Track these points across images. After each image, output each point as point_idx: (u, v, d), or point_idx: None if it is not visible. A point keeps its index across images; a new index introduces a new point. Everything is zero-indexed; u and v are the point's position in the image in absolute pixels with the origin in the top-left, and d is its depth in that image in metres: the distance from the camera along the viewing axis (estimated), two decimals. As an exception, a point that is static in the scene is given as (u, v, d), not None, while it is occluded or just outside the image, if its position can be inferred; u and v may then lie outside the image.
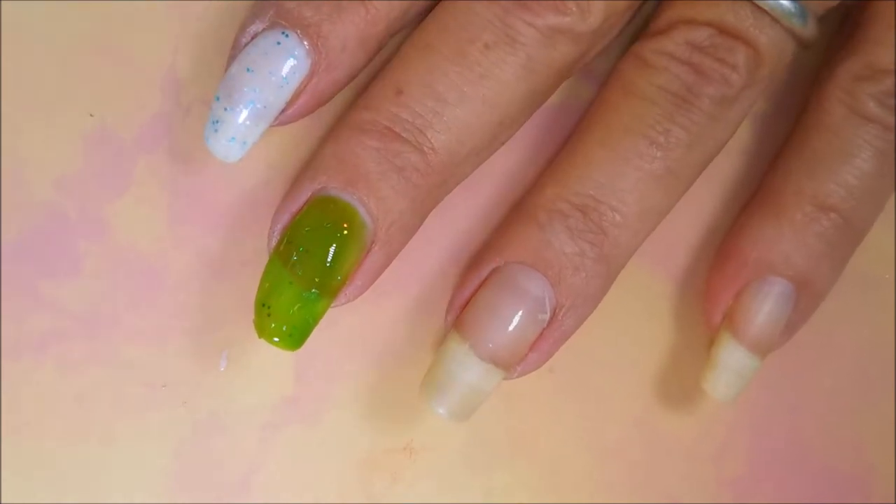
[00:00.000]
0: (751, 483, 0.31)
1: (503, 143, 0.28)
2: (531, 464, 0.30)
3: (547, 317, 0.27)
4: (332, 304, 0.26)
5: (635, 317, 0.31)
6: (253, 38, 0.26)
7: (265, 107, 0.26)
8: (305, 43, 0.26)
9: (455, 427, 0.30)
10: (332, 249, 0.26)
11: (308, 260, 0.25)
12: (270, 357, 0.29)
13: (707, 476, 0.31)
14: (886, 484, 0.32)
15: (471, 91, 0.26)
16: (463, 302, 0.28)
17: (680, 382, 0.31)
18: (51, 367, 0.28)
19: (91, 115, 0.28)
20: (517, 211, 0.28)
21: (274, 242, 0.26)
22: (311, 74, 0.26)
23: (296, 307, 0.25)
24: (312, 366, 0.29)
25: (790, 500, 0.32)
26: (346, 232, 0.26)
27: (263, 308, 0.26)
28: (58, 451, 0.28)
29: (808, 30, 0.27)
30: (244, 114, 0.26)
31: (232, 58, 0.26)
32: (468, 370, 0.27)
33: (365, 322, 0.30)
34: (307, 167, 0.27)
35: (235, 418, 0.29)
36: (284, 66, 0.26)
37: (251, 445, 0.29)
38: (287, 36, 0.26)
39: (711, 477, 0.31)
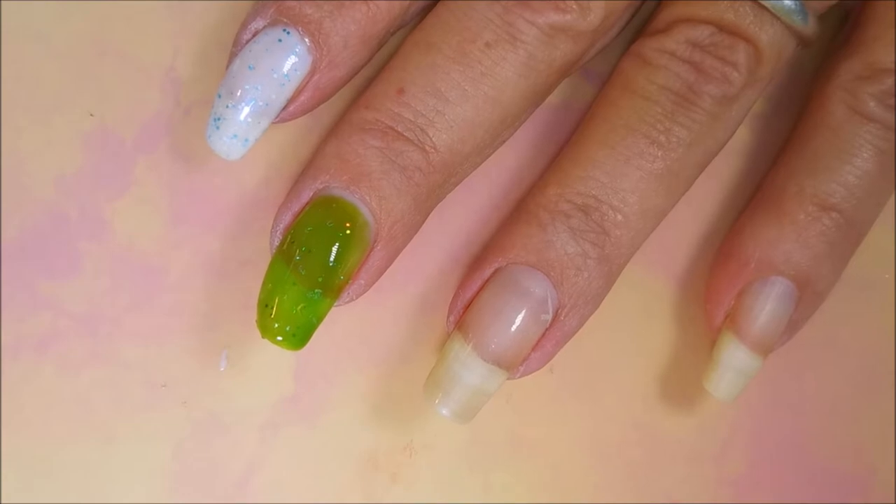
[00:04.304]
0: (751, 483, 0.31)
1: (504, 142, 0.28)
2: (531, 463, 0.30)
3: (549, 317, 0.27)
4: (335, 304, 0.26)
5: (636, 317, 0.31)
6: (254, 35, 0.26)
7: (267, 104, 0.26)
8: (307, 40, 0.26)
9: (455, 427, 0.30)
10: (334, 249, 0.25)
11: (311, 259, 0.25)
12: (270, 357, 0.29)
13: (707, 476, 0.31)
14: (886, 484, 0.32)
15: (472, 89, 0.26)
16: (465, 302, 0.28)
17: (680, 382, 0.31)
18: (51, 367, 0.28)
19: (91, 115, 0.28)
20: (519, 211, 0.28)
21: (276, 242, 0.26)
22: (313, 71, 0.26)
23: (299, 307, 0.25)
24: (312, 366, 0.29)
25: (790, 500, 0.32)
26: (348, 231, 0.26)
27: (266, 308, 0.25)
28: (58, 451, 0.28)
29: (809, 28, 0.27)
30: (246, 111, 0.25)
31: (233, 55, 0.26)
32: (471, 371, 0.27)
33: (366, 321, 0.30)
34: (309, 166, 0.27)
35: (235, 418, 0.29)
36: (286, 63, 0.26)
37: (251, 445, 0.29)
38: (288, 33, 0.26)
39: (711, 477, 0.31)
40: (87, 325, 0.28)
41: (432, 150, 0.26)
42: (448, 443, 0.30)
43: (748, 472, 0.31)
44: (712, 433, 0.31)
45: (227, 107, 0.26)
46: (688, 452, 0.31)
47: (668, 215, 0.28)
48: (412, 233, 0.27)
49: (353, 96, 0.29)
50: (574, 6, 0.26)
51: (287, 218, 0.26)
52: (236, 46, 0.26)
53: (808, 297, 0.29)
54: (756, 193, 0.30)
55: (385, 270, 0.27)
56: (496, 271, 0.28)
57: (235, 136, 0.26)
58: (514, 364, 0.27)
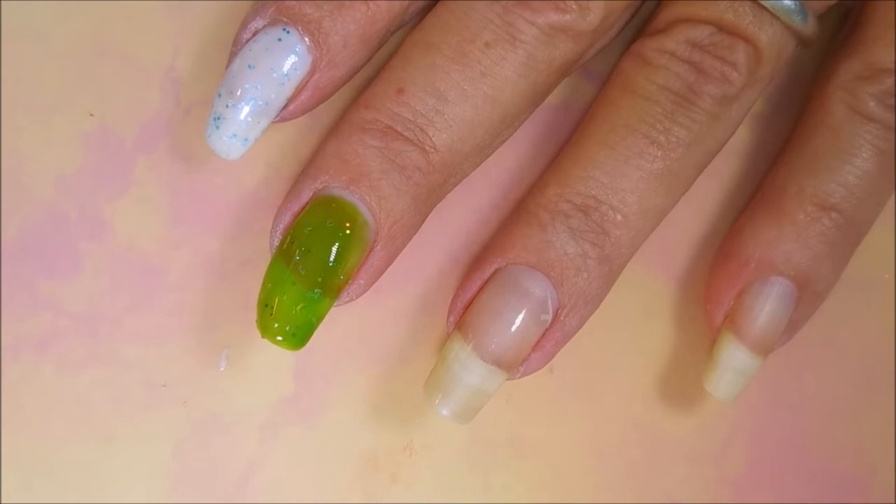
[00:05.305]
0: (751, 483, 0.31)
1: (504, 142, 0.28)
2: (531, 464, 0.30)
3: (549, 317, 0.27)
4: (335, 304, 0.26)
5: (635, 317, 0.31)
6: (254, 35, 0.26)
7: (266, 103, 0.26)
8: (307, 39, 0.26)
9: (455, 427, 0.30)
10: (334, 249, 0.25)
11: (310, 259, 0.25)
12: (270, 357, 0.29)
13: (707, 476, 0.31)
14: (886, 484, 0.32)
15: (472, 89, 0.26)
16: (465, 303, 0.28)
17: (680, 382, 0.31)
18: (51, 367, 0.28)
19: (91, 115, 0.28)
20: (519, 211, 0.28)
21: (276, 242, 0.26)
22: (313, 71, 0.26)
23: (299, 307, 0.25)
24: (312, 366, 0.29)
25: (790, 500, 0.32)
26: (348, 231, 0.26)
27: (266, 308, 0.25)
28: (58, 451, 0.28)
29: (809, 28, 0.27)
30: (245, 110, 0.26)
31: (233, 54, 0.26)
32: (471, 371, 0.27)
33: (365, 321, 0.30)
34: (309, 166, 0.27)
35: (235, 418, 0.29)
36: (286, 62, 0.26)
37: (251, 445, 0.29)
38: (288, 32, 0.26)
39: (711, 477, 0.31)
40: (87, 325, 0.28)
41: (432, 150, 0.26)
42: (448, 443, 0.30)
43: (748, 472, 0.31)
44: (712, 433, 0.31)
45: (227, 106, 0.26)
46: (688, 452, 0.31)
47: (668, 215, 0.28)
48: (412, 233, 0.27)
49: (353, 96, 0.29)
50: (574, 6, 0.26)
51: (287, 218, 0.26)
52: (236, 46, 0.26)
53: (807, 297, 0.29)
54: (756, 193, 0.30)
55: (385, 270, 0.27)
56: (496, 272, 0.28)
57: (235, 135, 0.26)
58: (514, 364, 0.27)
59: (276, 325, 0.25)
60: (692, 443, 0.31)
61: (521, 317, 0.27)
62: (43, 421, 0.28)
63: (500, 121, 0.27)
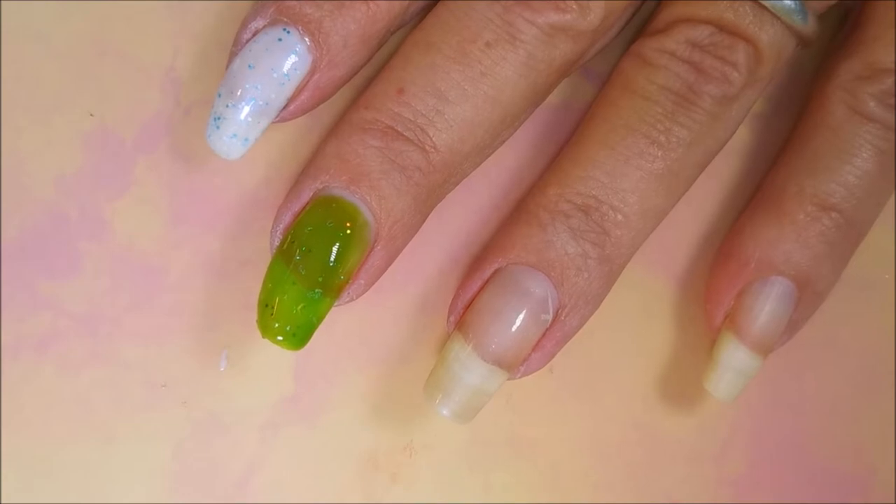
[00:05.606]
0: (751, 483, 0.31)
1: (504, 142, 0.28)
2: (531, 464, 0.30)
3: (550, 317, 0.27)
4: (335, 304, 0.26)
5: (635, 317, 0.31)
6: (254, 35, 0.26)
7: (266, 103, 0.26)
8: (307, 39, 0.26)
9: (455, 427, 0.30)
10: (334, 249, 0.25)
11: (311, 259, 0.25)
12: (270, 357, 0.29)
13: (707, 476, 0.31)
14: (886, 484, 0.32)
15: (472, 89, 0.26)
16: (465, 303, 0.28)
17: (680, 382, 0.31)
18: (51, 367, 0.28)
19: (91, 115, 0.28)
20: (519, 211, 0.28)
21: (276, 242, 0.26)
22: (313, 71, 0.26)
23: (299, 307, 0.25)
24: (312, 366, 0.29)
25: (790, 500, 0.32)
26: (348, 231, 0.26)
27: (266, 308, 0.25)
28: (58, 451, 0.28)
29: (809, 27, 0.27)
30: (246, 110, 0.25)
31: (233, 54, 0.26)
32: (471, 371, 0.27)
33: (365, 321, 0.30)
34: (309, 166, 0.27)
35: (235, 418, 0.29)
36: (286, 62, 0.26)
37: (251, 445, 0.29)
38: (288, 32, 0.26)
39: (711, 477, 0.31)
40: (87, 325, 0.28)
41: (432, 150, 0.26)
42: (448, 443, 0.30)
43: (748, 472, 0.31)
44: (712, 433, 0.31)
45: (228, 106, 0.26)
46: (688, 452, 0.31)
47: (668, 215, 0.28)
48: (412, 233, 0.27)
49: (353, 96, 0.29)
50: (574, 6, 0.26)
51: (287, 218, 0.26)
52: (236, 46, 0.26)
53: (807, 297, 0.29)
54: (756, 193, 0.30)
55: (385, 270, 0.27)
56: (496, 271, 0.28)
57: (235, 135, 0.26)
58: (515, 364, 0.27)
59: (276, 325, 0.25)
60: (692, 443, 0.31)
61: (521, 317, 0.27)
62: (43, 421, 0.28)
63: (500, 121, 0.27)
